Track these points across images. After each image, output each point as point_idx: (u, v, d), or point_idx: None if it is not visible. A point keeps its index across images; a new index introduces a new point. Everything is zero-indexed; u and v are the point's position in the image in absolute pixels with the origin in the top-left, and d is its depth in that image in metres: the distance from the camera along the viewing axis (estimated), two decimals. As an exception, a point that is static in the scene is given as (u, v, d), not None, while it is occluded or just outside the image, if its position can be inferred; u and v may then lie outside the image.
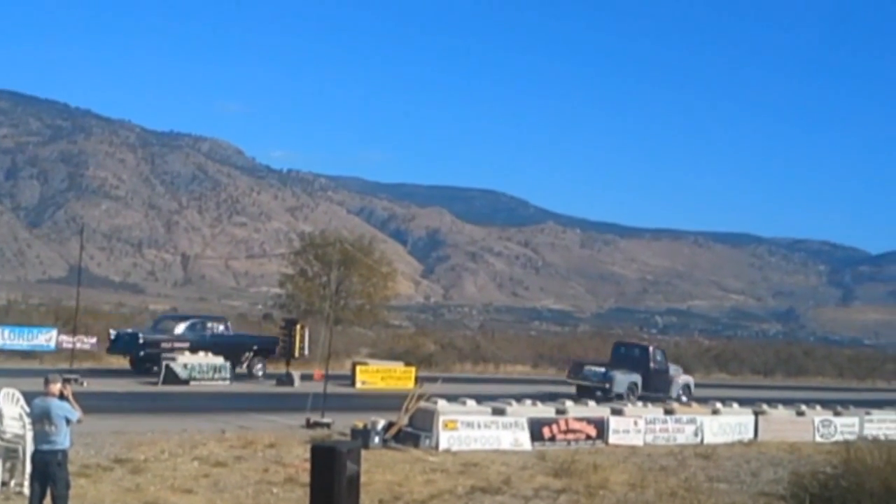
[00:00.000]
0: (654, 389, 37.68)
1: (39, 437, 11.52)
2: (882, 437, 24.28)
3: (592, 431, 23.74)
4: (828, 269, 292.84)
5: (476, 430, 21.68)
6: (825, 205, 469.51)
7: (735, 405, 28.29)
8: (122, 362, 37.92)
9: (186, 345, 36.03)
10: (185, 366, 33.80)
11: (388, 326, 65.50)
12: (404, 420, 21.24)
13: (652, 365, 38.96)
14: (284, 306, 55.04)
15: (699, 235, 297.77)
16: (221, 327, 39.05)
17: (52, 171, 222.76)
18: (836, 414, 29.68)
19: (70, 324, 39.31)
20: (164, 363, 33.51)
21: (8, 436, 13.88)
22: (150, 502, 13.87)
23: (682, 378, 39.99)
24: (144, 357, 35.75)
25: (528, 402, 24.08)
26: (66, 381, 12.23)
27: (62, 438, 11.45)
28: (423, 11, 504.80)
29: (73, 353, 35.68)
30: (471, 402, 22.67)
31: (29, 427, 12.55)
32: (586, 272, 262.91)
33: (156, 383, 32.51)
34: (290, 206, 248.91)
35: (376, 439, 20.39)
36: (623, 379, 37.44)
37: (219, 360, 35.21)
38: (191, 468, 16.58)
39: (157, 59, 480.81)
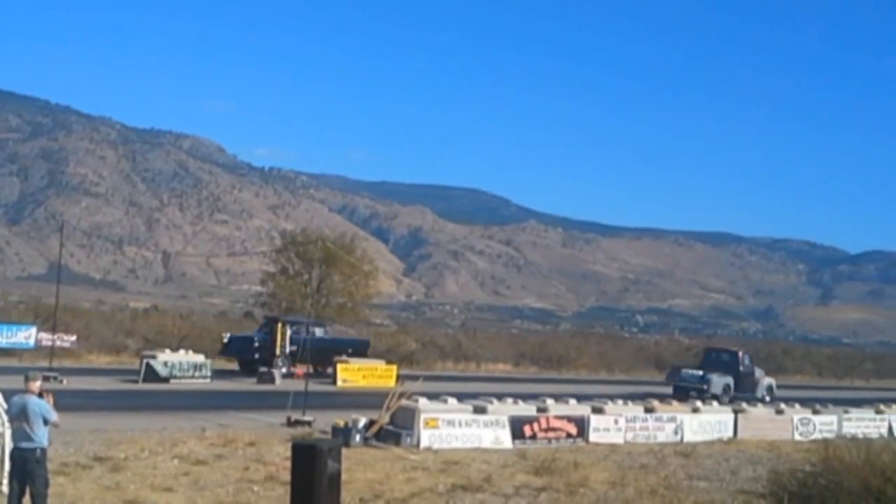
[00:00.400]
0: (743, 390, 41.10)
1: (18, 434, 11.45)
2: (860, 436, 24.49)
3: (573, 429, 23.78)
4: (807, 268, 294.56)
5: (457, 429, 21.69)
6: (805, 205, 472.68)
7: (715, 403, 28.40)
8: (101, 360, 37.80)
9: (293, 347, 38.16)
10: (165, 364, 33.69)
11: (370, 325, 65.36)
12: (385, 418, 21.23)
13: (741, 368, 42.61)
14: (266, 304, 54.95)
15: (680, 235, 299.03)
16: (321, 331, 41.23)
17: (32, 168, 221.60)
18: (815, 412, 29.86)
19: (49, 321, 39.14)
20: (143, 361, 33.48)
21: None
22: (130, 501, 13.80)
23: (765, 380, 43.85)
24: (258, 359, 37.71)
25: (509, 400, 24.12)
26: (45, 379, 12.18)
27: (40, 436, 11.38)
28: (407, 10, 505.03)
29: (52, 351, 35.52)
30: (452, 401, 22.67)
31: (7, 425, 12.48)
32: (568, 271, 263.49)
33: (137, 381, 32.40)
34: (272, 203, 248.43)
35: (357, 437, 20.36)
36: (719, 381, 40.74)
37: (199, 358, 35.16)
38: (171, 466, 16.52)
39: (138, 55, 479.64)
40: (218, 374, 36.10)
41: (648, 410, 25.92)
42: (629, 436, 24.83)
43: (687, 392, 38.54)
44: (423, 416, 21.22)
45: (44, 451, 11.48)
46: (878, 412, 31.29)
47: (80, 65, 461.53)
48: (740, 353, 44.30)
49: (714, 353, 45.49)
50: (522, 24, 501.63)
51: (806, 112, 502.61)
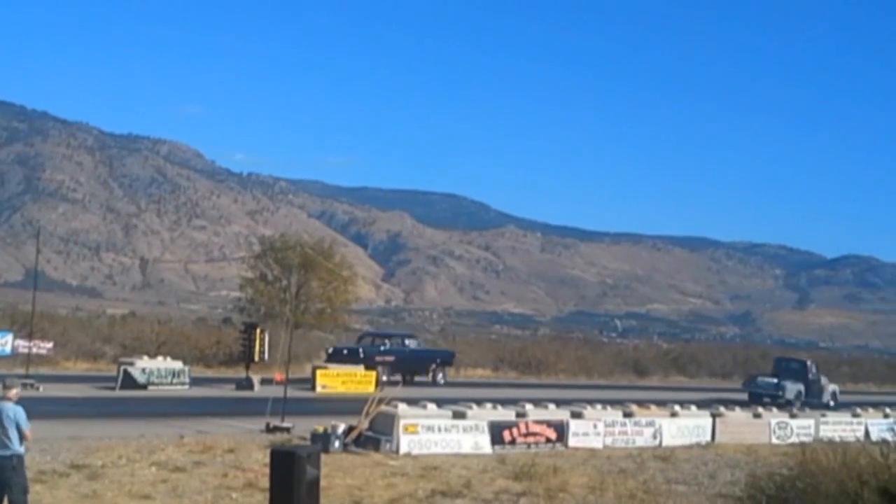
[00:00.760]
0: (811, 396, 44.91)
1: (-7, 442, 11.37)
2: (837, 439, 24.57)
3: (552, 434, 23.82)
4: (784, 272, 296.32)
5: (436, 434, 21.68)
6: (782, 209, 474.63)
7: (693, 407, 28.51)
8: (78, 367, 37.56)
9: (392, 358, 42.42)
10: (143, 370, 33.52)
11: (349, 330, 65.18)
12: (364, 424, 21.21)
13: (809, 376, 46.73)
14: (244, 310, 54.69)
15: (658, 240, 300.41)
16: (415, 343, 46.04)
17: (8, 174, 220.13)
18: (792, 416, 30.05)
19: (26, 328, 38.84)
20: (121, 368, 33.32)
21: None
22: (108, 508, 13.74)
23: (830, 386, 47.66)
24: (364, 369, 40.09)
25: (489, 405, 24.15)
26: (23, 386, 12.11)
27: (15, 443, 11.30)
28: (384, 15, 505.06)
29: (28, 358, 35.25)
30: (431, 406, 22.68)
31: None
32: (546, 276, 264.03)
33: (114, 388, 32.22)
34: (251, 209, 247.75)
35: (336, 443, 20.33)
36: (792, 387, 44.81)
37: (177, 365, 35.02)
38: (149, 474, 16.44)
39: (115, 61, 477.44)
40: (196, 381, 35.95)
41: (627, 415, 26.00)
42: (608, 440, 24.90)
43: (762, 398, 41.74)
44: (402, 422, 21.22)
45: (20, 458, 11.40)
46: (855, 416, 31.49)
47: (56, 70, 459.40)
48: (808, 362, 48.49)
49: (784, 362, 49.37)
50: (499, 29, 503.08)
51: (782, 117, 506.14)
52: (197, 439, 20.37)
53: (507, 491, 16.98)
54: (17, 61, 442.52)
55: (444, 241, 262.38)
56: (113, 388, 32.22)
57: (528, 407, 24.61)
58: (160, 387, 33.47)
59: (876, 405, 35.16)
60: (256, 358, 37.48)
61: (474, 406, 23.55)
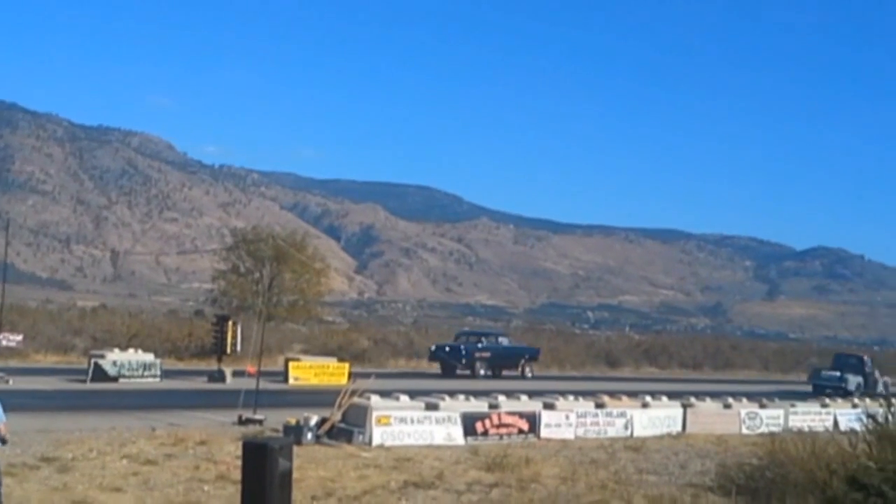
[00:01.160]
0: (867, 388, 48.01)
1: (-37, 435, 11.29)
2: (806, 429, 24.81)
3: (524, 425, 23.90)
4: (754, 264, 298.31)
5: (409, 426, 21.72)
6: (752, 202, 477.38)
7: (664, 398, 28.68)
8: (48, 360, 37.31)
9: (488, 354, 47.10)
10: (114, 363, 33.35)
11: (322, 322, 65.15)
12: (337, 416, 21.19)
13: (866, 369, 51.22)
14: (216, 302, 54.53)
15: (630, 231, 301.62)
16: (506, 340, 51.02)
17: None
18: (762, 406, 30.24)
19: (-5, 321, 38.54)
20: (92, 360, 33.13)
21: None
22: (79, 501, 13.66)
23: (882, 379, 51.48)
24: (465, 365, 45.94)
25: (461, 396, 24.21)
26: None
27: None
28: (357, 7, 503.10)
29: (-2, 351, 35.04)
30: (404, 398, 22.72)
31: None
32: (519, 268, 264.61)
33: (85, 381, 32.04)
34: (223, 201, 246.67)
35: (309, 435, 20.32)
36: (854, 380, 49.12)
37: (149, 357, 34.88)
38: (120, 466, 16.37)
39: (86, 52, 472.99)
40: (168, 373, 35.81)
41: (599, 406, 26.13)
42: (580, 431, 25.01)
43: (825, 390, 44.90)
44: (375, 414, 21.24)
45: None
46: (824, 406, 31.79)
47: (25, 61, 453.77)
48: (865, 357, 53.48)
49: (844, 358, 53.72)
50: (472, 20, 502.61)
51: (753, 110, 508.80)
52: (168, 432, 20.30)
53: (479, 482, 17.03)
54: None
55: (416, 234, 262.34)
56: (84, 381, 32.05)
57: (501, 398, 24.69)
58: (131, 379, 33.34)
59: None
60: (228, 350, 37.36)
61: (447, 398, 23.61)
